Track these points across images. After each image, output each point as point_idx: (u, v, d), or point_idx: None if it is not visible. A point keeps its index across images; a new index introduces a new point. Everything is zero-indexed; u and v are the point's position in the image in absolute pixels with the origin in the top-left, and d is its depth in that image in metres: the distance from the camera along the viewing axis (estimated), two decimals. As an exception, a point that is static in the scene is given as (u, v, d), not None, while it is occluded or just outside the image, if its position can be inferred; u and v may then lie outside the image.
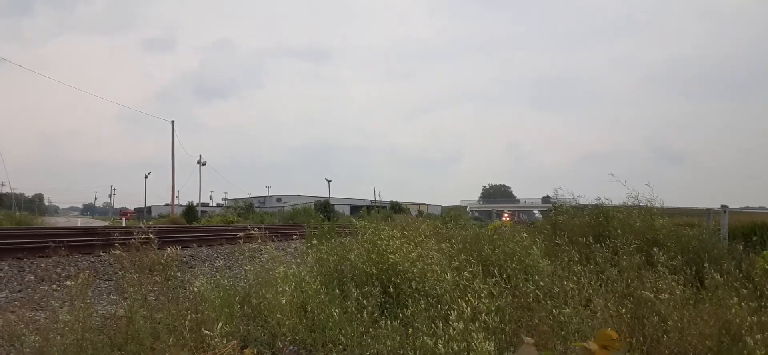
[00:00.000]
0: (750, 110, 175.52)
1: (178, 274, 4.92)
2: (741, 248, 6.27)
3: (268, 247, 5.45)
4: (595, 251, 5.53)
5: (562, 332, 3.68)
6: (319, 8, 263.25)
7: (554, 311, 3.91)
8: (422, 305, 4.09)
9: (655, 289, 4.22)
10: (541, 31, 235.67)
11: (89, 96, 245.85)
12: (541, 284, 4.59)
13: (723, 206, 8.55)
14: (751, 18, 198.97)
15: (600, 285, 4.55)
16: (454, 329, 3.35)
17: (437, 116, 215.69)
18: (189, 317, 3.45)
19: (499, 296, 4.23)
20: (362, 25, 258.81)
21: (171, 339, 3.28)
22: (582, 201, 8.69)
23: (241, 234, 6.16)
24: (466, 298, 3.84)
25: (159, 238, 4.73)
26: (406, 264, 4.86)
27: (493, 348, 3.13)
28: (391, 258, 4.99)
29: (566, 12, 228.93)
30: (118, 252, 4.44)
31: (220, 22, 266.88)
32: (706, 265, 4.77)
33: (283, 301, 4.11)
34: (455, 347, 3.20)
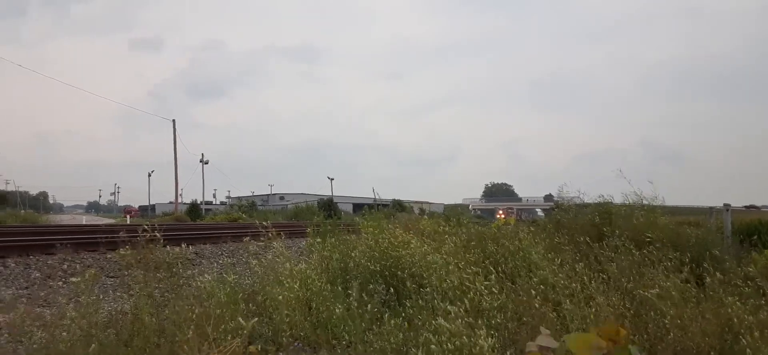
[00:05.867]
0: (743, 110, 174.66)
1: (187, 272, 4.96)
2: (739, 245, 6.25)
3: (276, 244, 5.48)
4: (596, 249, 5.53)
5: (565, 329, 3.70)
6: (313, 7, 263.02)
7: (557, 308, 3.93)
8: (421, 303, 4.12)
9: (656, 287, 4.23)
10: (539, 31, 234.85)
11: (89, 95, 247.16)
12: (545, 281, 4.60)
13: (725, 205, 8.52)
14: (746, 17, 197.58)
15: (602, 283, 4.56)
16: (456, 326, 3.37)
17: (436, 115, 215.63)
18: (196, 313, 3.48)
19: (501, 293, 4.25)
20: (360, 24, 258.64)
21: (189, 332, 3.30)
22: (584, 199, 8.69)
23: (234, 231, 6.19)
24: (470, 295, 3.86)
25: (166, 236, 4.76)
26: (410, 260, 4.89)
27: (497, 345, 3.15)
28: (395, 253, 5.02)
29: (563, 12, 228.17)
30: (123, 252, 4.47)
31: (213, 21, 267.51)
32: (706, 263, 4.77)
33: (291, 296, 4.14)
34: (458, 343, 3.22)
